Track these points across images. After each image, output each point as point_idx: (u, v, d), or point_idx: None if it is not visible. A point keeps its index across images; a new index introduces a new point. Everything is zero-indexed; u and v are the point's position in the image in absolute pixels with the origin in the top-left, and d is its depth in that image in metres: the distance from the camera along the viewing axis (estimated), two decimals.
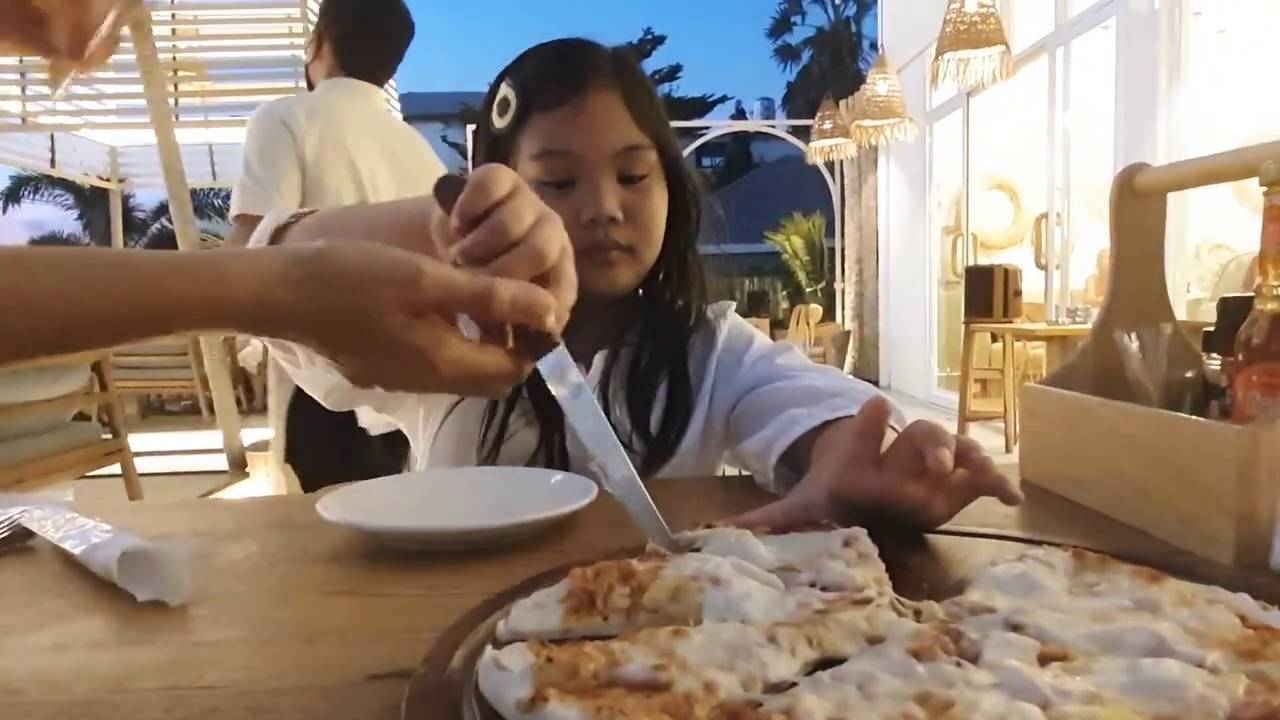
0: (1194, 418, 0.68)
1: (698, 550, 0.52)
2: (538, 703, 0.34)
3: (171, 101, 7.05)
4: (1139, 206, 0.82)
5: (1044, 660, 0.38)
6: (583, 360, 0.94)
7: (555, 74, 0.91)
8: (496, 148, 0.94)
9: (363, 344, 0.50)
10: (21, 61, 7.34)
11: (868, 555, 0.50)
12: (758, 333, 1.05)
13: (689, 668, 0.37)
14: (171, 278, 0.49)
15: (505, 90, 0.92)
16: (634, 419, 0.95)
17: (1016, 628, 0.41)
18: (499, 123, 0.92)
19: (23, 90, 7.19)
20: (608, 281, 0.91)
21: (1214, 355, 0.76)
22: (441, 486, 0.74)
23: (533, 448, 0.92)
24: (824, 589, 0.46)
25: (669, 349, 0.98)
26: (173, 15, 7.46)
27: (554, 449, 0.92)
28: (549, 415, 0.92)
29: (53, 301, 0.47)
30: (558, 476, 0.78)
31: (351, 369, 0.52)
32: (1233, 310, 0.72)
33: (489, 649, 0.39)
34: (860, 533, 0.52)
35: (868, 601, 0.44)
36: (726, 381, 0.99)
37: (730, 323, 1.03)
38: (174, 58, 7.39)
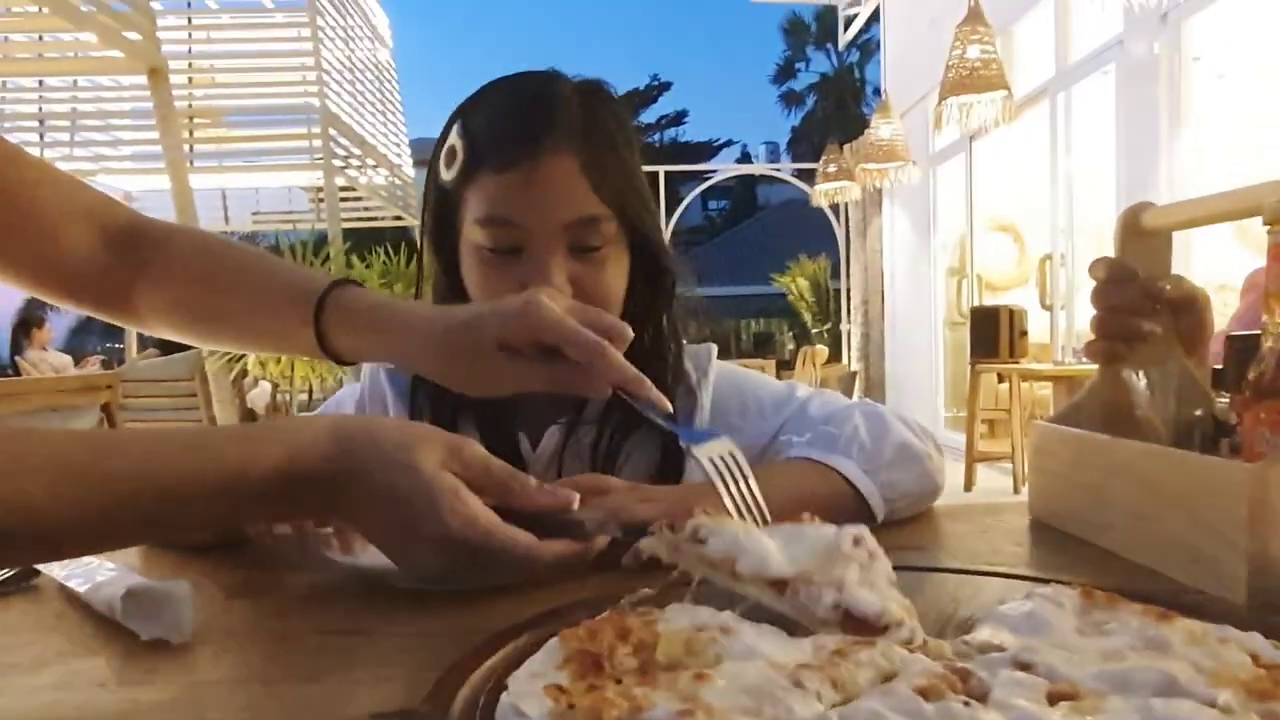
0: (1204, 455, 0.68)
1: (701, 541, 0.50)
2: None
3: (186, 148, 7.19)
4: (1144, 245, 0.82)
5: (1053, 699, 0.38)
6: (533, 436, 0.88)
7: (507, 130, 0.82)
8: (444, 200, 0.86)
9: (386, 484, 0.55)
10: (41, 109, 7.51)
11: (877, 554, 0.49)
12: (754, 381, 0.96)
13: (715, 713, 0.36)
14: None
15: (454, 139, 0.84)
16: None
17: (1025, 666, 0.41)
18: (445, 174, 0.85)
19: (41, 137, 7.33)
20: None
21: (1224, 393, 0.76)
22: None
23: None
24: (847, 611, 0.45)
25: (635, 423, 0.86)
26: (189, 64, 7.64)
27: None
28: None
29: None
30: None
31: (362, 512, 0.57)
32: (1241, 348, 0.72)
33: (504, 696, 0.38)
34: (864, 530, 0.50)
35: (885, 630, 0.43)
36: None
37: (716, 377, 0.93)
38: (190, 104, 7.55)
